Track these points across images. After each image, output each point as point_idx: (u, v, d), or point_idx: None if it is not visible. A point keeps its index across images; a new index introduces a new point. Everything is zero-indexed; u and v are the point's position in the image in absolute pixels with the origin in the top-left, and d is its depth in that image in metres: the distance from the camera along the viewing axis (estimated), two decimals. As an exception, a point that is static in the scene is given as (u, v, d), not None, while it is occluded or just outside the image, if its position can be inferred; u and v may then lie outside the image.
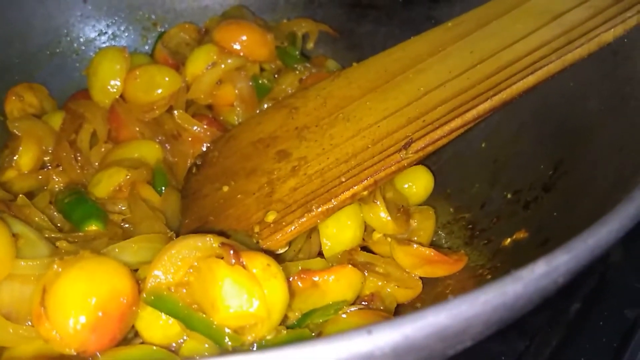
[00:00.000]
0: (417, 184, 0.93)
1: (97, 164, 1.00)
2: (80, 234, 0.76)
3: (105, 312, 0.58)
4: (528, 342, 0.87)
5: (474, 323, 0.42)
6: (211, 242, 0.65)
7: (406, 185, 0.93)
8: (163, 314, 0.63)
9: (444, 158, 1.00)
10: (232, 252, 0.61)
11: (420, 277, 0.79)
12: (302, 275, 0.69)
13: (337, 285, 0.69)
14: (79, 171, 0.95)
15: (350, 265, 0.70)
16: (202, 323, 0.60)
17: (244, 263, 0.61)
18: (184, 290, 0.63)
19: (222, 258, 0.62)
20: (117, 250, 0.69)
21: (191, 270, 0.63)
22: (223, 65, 1.05)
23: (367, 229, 0.86)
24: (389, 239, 0.84)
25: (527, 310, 0.49)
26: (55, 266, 0.60)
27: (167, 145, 1.01)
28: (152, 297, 0.61)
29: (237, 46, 1.07)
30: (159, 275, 0.62)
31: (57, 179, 0.95)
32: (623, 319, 0.91)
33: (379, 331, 0.40)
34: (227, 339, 0.60)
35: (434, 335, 0.41)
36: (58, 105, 1.12)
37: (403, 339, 0.40)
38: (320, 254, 0.85)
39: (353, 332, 0.40)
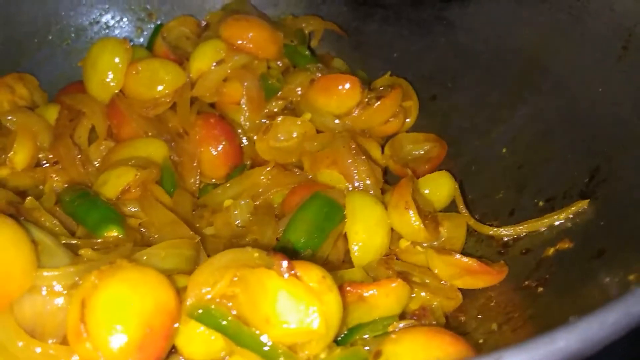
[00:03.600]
0: (440, 189, 0.90)
1: (96, 162, 0.93)
2: (99, 240, 0.69)
3: (152, 328, 0.53)
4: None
5: (599, 345, 0.39)
6: (252, 252, 0.60)
7: (427, 191, 0.90)
8: (205, 328, 0.58)
9: (461, 163, 0.98)
10: (285, 262, 0.56)
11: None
12: (347, 288, 0.64)
13: (387, 300, 0.65)
14: (81, 170, 0.88)
15: (400, 280, 0.66)
16: (254, 340, 0.55)
17: (298, 274, 0.56)
18: (230, 304, 0.58)
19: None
20: (145, 257, 0.63)
21: (236, 280, 0.58)
22: (230, 63, 1.00)
23: (393, 236, 0.83)
24: (419, 248, 0.80)
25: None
26: (93, 277, 0.54)
27: (172, 143, 0.95)
28: (199, 311, 0.56)
29: (245, 43, 1.01)
30: (203, 286, 0.57)
31: (55, 178, 0.88)
32: None
33: (510, 357, 0.36)
34: (281, 358, 0.55)
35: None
36: (48, 98, 1.04)
37: (533, 365, 0.37)
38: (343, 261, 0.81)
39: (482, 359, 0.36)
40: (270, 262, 0.58)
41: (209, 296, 0.57)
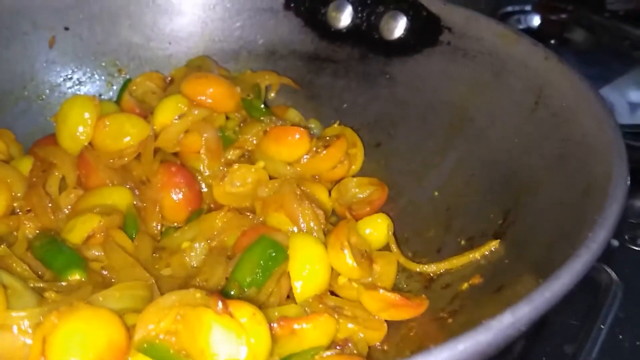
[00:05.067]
0: (378, 229, 1.00)
1: (66, 210, 1.02)
2: (63, 283, 0.78)
3: (103, 362, 0.62)
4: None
5: (452, 368, 0.49)
6: (194, 293, 0.70)
7: (368, 231, 1.00)
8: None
9: (400, 205, 1.08)
10: (219, 301, 0.66)
11: (385, 320, 0.85)
12: (281, 323, 0.74)
13: (315, 332, 0.74)
14: (52, 217, 0.97)
15: (326, 314, 0.76)
16: (192, 370, 0.64)
17: (231, 311, 0.66)
18: (173, 339, 0.67)
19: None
20: (101, 298, 0.72)
21: (179, 318, 0.67)
22: (191, 117, 1.10)
23: (333, 274, 0.92)
24: (354, 284, 0.90)
25: (493, 355, 0.55)
26: (53, 317, 0.63)
27: (136, 191, 1.05)
28: (145, 345, 0.65)
29: (205, 98, 1.11)
30: (149, 323, 0.66)
31: (28, 225, 0.96)
32: (562, 355, 1.00)
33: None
34: (216, 386, 0.64)
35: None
36: (23, 150, 1.13)
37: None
38: (288, 297, 0.90)
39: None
40: (209, 302, 0.68)
41: (154, 332, 0.66)
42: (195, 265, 0.96)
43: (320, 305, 0.83)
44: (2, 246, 0.82)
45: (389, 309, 0.83)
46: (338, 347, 0.76)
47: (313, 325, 0.74)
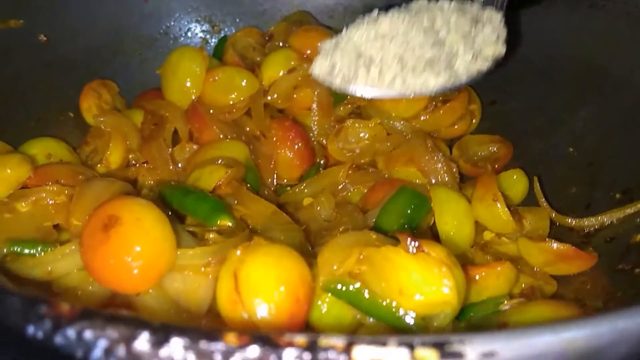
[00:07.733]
0: (516, 186, 0.94)
1: (179, 163, 0.97)
2: (214, 228, 0.73)
3: (298, 298, 0.56)
4: None
5: None
6: (370, 234, 0.64)
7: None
8: (332, 303, 0.61)
9: (528, 163, 1.01)
10: (413, 241, 0.60)
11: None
12: (462, 270, 0.68)
13: (497, 281, 0.69)
14: (172, 169, 0.92)
15: (508, 262, 0.70)
16: (388, 311, 0.58)
17: (426, 250, 0.60)
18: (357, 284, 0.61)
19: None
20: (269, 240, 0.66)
21: (362, 258, 0.61)
22: (301, 71, 1.04)
23: (477, 229, 0.86)
24: (504, 238, 0.84)
25: None
26: (238, 252, 0.57)
27: (250, 146, 0.99)
28: (337, 285, 0.59)
29: (314, 52, 1.06)
30: (333, 264, 0.60)
31: (146, 176, 0.91)
32: None
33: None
34: (414, 328, 0.58)
35: None
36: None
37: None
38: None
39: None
40: (393, 241, 0.62)
41: (338, 273, 0.60)
42: (325, 218, 0.90)
43: (488, 257, 0.77)
44: (144, 189, 0.76)
45: (557, 262, 0.77)
46: (522, 297, 0.70)
47: (495, 274, 0.69)
